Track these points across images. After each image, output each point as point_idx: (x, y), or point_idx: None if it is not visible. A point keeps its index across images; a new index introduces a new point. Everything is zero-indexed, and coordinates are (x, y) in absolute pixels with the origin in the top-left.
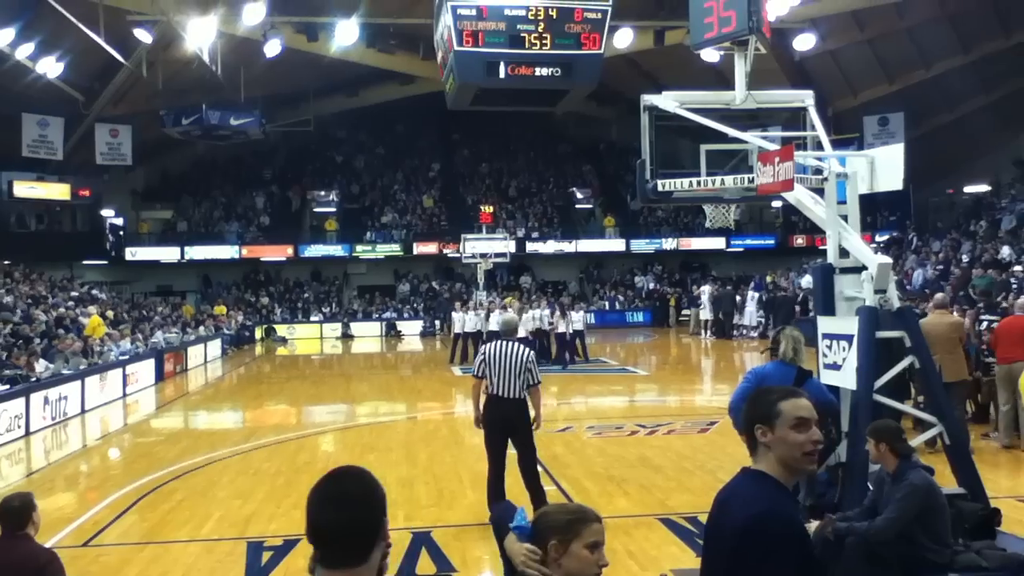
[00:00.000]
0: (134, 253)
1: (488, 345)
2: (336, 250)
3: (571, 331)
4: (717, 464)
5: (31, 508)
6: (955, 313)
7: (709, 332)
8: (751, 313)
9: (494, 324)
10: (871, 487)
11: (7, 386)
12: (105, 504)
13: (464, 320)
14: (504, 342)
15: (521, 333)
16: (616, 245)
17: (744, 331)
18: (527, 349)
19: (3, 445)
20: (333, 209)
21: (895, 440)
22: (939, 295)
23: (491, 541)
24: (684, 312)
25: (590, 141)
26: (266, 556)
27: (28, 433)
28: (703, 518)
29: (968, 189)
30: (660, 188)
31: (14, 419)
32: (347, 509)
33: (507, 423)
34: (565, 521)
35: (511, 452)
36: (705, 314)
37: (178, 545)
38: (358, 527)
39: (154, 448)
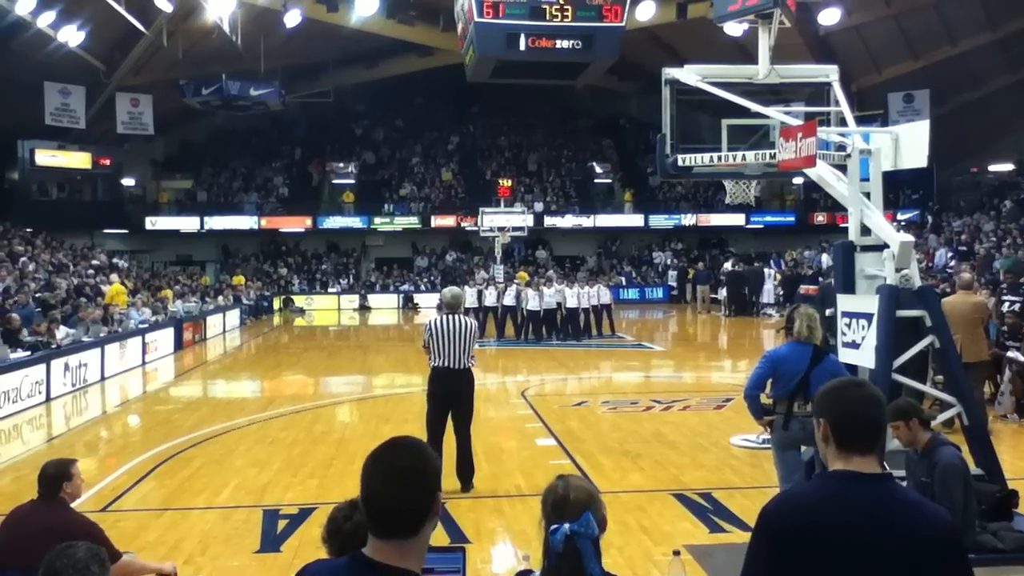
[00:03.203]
0: (154, 222)
1: (435, 319)
2: (354, 222)
3: (591, 306)
4: (745, 448)
5: (62, 478)
6: (979, 294)
7: (727, 309)
8: (769, 291)
9: (508, 299)
10: (886, 464)
11: (28, 353)
12: (124, 470)
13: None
14: (450, 315)
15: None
16: (634, 220)
17: (763, 308)
18: (472, 321)
19: (24, 411)
20: (352, 181)
21: (922, 413)
22: (965, 275)
23: (504, 514)
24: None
25: (610, 116)
26: (281, 524)
27: (49, 399)
28: (717, 495)
29: (993, 168)
30: (680, 163)
31: (35, 385)
32: (400, 483)
33: (452, 394)
34: None
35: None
36: (721, 291)
37: (195, 512)
38: (410, 502)
39: (172, 416)
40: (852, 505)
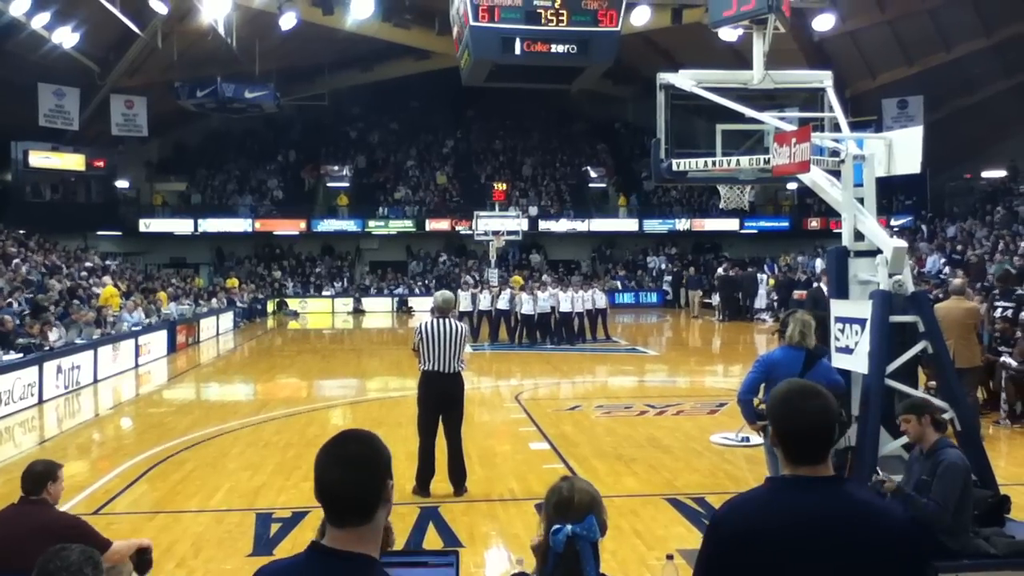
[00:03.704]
0: (148, 225)
1: (425, 322)
2: (349, 225)
3: (585, 310)
4: (725, 446)
5: (48, 477)
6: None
7: (721, 314)
8: (763, 295)
9: (502, 303)
10: (879, 471)
11: (21, 355)
12: (116, 473)
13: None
14: (440, 319)
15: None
16: (629, 225)
17: (757, 313)
18: (463, 325)
19: (16, 413)
20: (346, 184)
21: (935, 411)
22: (956, 281)
23: (498, 518)
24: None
25: (605, 120)
26: (274, 528)
27: (41, 401)
28: (711, 499)
29: (986, 174)
30: (675, 168)
31: (27, 387)
32: (351, 471)
33: (443, 398)
34: None
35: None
36: (714, 296)
37: (188, 515)
38: (361, 488)
39: (165, 419)
40: (802, 509)
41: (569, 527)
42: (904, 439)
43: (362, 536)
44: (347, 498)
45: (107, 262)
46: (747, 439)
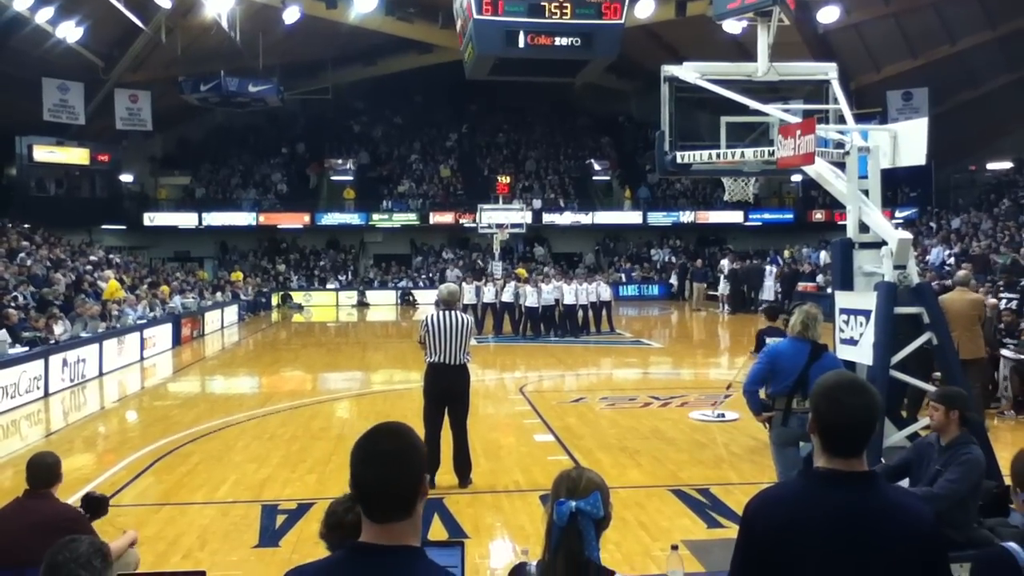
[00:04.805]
0: (152, 219)
1: (431, 315)
2: (353, 219)
3: (589, 302)
4: (730, 437)
5: (57, 469)
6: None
7: (726, 306)
8: (769, 288)
9: (506, 296)
10: (883, 459)
11: (26, 348)
12: (122, 466)
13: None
14: (447, 311)
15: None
16: (633, 218)
17: (762, 305)
18: (468, 317)
19: (22, 406)
20: (350, 178)
21: (968, 408)
22: (961, 272)
23: (503, 509)
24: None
25: (609, 114)
26: (280, 519)
27: (47, 395)
28: (715, 490)
29: (991, 167)
30: (679, 160)
31: (33, 380)
32: (385, 467)
33: (449, 390)
34: None
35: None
36: (721, 288)
37: (194, 507)
38: (397, 484)
39: (171, 412)
40: (833, 505)
41: (573, 502)
42: (908, 431)
43: (404, 531)
44: (386, 495)
45: (111, 256)
46: (722, 415)
